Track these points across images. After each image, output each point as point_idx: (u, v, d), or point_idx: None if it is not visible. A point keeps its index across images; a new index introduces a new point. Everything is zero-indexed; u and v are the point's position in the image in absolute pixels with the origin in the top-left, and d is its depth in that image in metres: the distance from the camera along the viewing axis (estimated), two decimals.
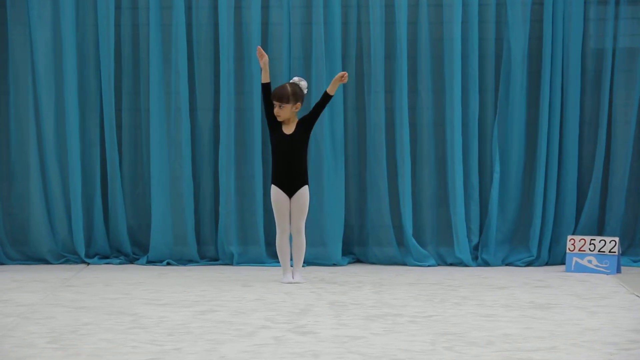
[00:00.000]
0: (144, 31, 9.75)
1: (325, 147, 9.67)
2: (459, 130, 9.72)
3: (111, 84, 9.67)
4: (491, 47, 9.82)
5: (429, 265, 9.69)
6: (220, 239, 9.71)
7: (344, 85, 9.76)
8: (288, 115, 8.29)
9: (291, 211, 8.31)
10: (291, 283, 8.40)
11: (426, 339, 6.02)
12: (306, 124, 8.33)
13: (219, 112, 9.70)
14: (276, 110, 8.25)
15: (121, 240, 9.77)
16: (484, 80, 9.84)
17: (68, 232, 9.74)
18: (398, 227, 9.78)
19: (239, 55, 9.73)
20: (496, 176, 9.72)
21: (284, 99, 8.24)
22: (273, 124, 8.31)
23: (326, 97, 8.30)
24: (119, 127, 9.79)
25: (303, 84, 8.38)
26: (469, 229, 9.78)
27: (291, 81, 8.40)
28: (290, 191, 8.28)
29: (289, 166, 8.25)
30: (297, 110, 8.32)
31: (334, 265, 9.68)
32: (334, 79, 8.32)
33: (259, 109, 9.63)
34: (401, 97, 9.70)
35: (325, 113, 9.65)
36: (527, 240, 9.80)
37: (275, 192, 8.27)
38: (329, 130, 9.69)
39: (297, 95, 8.30)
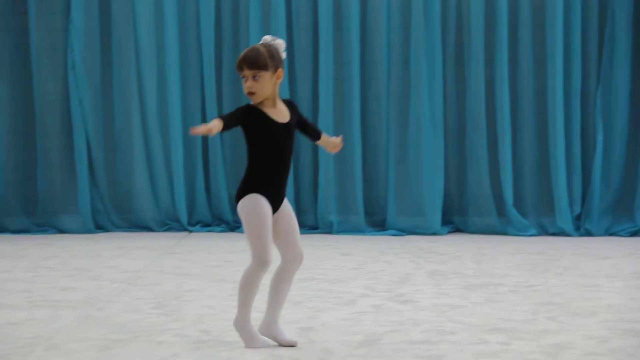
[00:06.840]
0: (244, 2, 9.81)
1: (425, 116, 9.62)
2: (560, 100, 9.57)
3: (211, 55, 9.76)
4: (594, 15, 9.63)
5: (530, 235, 9.60)
6: (319, 207, 9.75)
7: (443, 56, 9.69)
8: (267, 92, 4.96)
9: (282, 232, 5.14)
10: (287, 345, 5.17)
11: (527, 309, 5.98)
12: (300, 119, 5.20)
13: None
14: (249, 84, 4.94)
15: (222, 208, 9.88)
16: (587, 48, 9.67)
17: (171, 201, 9.89)
18: (498, 197, 9.69)
19: (338, 26, 9.71)
20: (599, 145, 9.56)
21: (259, 63, 4.93)
22: (251, 114, 4.99)
23: (312, 136, 5.29)
24: (219, 97, 9.89)
25: (279, 42, 5.08)
26: (570, 198, 9.66)
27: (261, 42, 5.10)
28: (276, 205, 5.09)
29: (283, 170, 5.07)
30: (279, 82, 5.00)
31: (434, 234, 9.65)
32: (330, 142, 5.31)
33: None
34: (502, 67, 9.60)
35: (424, 84, 9.61)
36: (632, 209, 9.62)
37: (263, 202, 5.00)
38: (428, 99, 9.63)
39: (275, 58, 4.98)
